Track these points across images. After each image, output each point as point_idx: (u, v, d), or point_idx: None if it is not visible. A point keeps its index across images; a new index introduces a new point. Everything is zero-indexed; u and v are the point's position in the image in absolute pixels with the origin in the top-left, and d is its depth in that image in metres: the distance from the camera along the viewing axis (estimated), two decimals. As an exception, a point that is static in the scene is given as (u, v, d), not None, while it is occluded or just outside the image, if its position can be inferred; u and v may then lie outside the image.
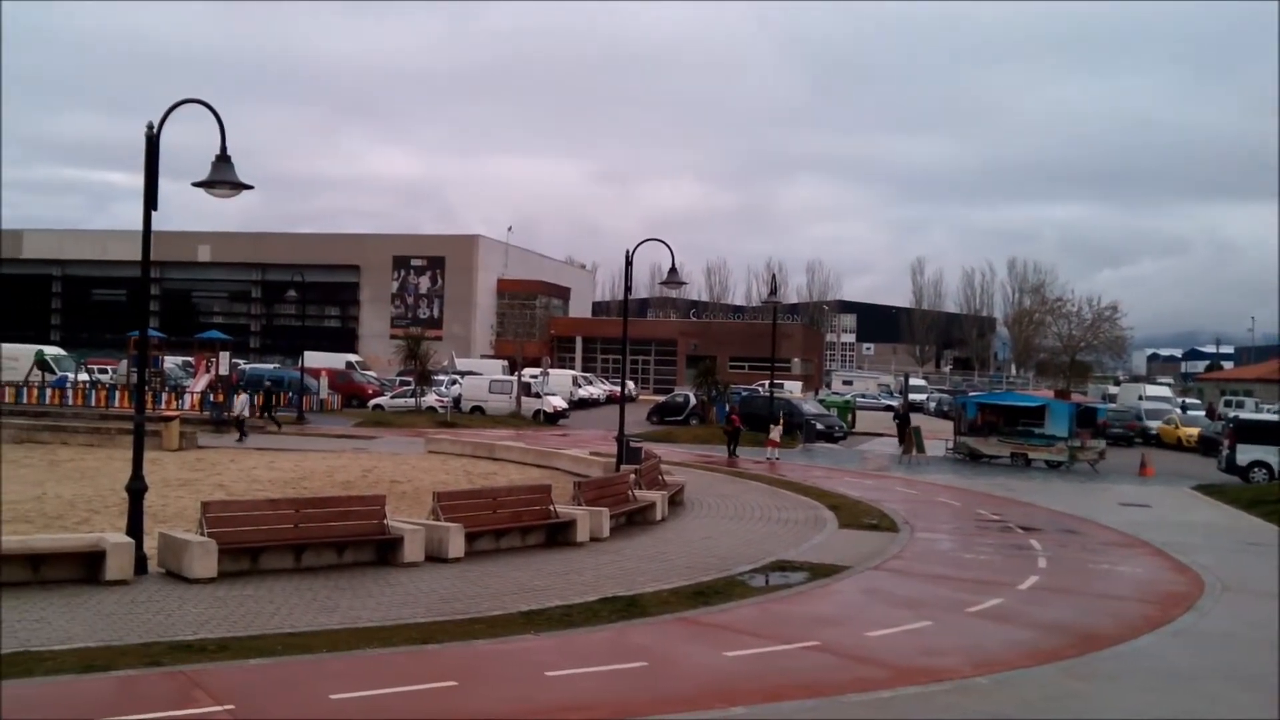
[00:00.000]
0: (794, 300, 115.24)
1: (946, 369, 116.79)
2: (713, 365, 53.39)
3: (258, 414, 40.25)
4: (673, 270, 27.44)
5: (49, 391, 47.33)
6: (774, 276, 78.46)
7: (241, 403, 37.86)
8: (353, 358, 65.19)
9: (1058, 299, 79.00)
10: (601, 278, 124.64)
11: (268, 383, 43.46)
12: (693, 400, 50.51)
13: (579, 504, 18.67)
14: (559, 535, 17.65)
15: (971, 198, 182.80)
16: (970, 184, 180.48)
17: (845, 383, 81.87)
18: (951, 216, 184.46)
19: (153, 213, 13.73)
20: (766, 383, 54.21)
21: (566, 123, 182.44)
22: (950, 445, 39.21)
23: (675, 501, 22.61)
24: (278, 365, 63.22)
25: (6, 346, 58.59)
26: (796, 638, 12.05)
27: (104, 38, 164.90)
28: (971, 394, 51.03)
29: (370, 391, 55.71)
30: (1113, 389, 79.53)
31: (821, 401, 54.39)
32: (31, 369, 51.94)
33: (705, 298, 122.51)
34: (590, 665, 10.57)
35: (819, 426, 43.52)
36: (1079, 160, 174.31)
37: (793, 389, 61.71)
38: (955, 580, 16.07)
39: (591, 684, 10.04)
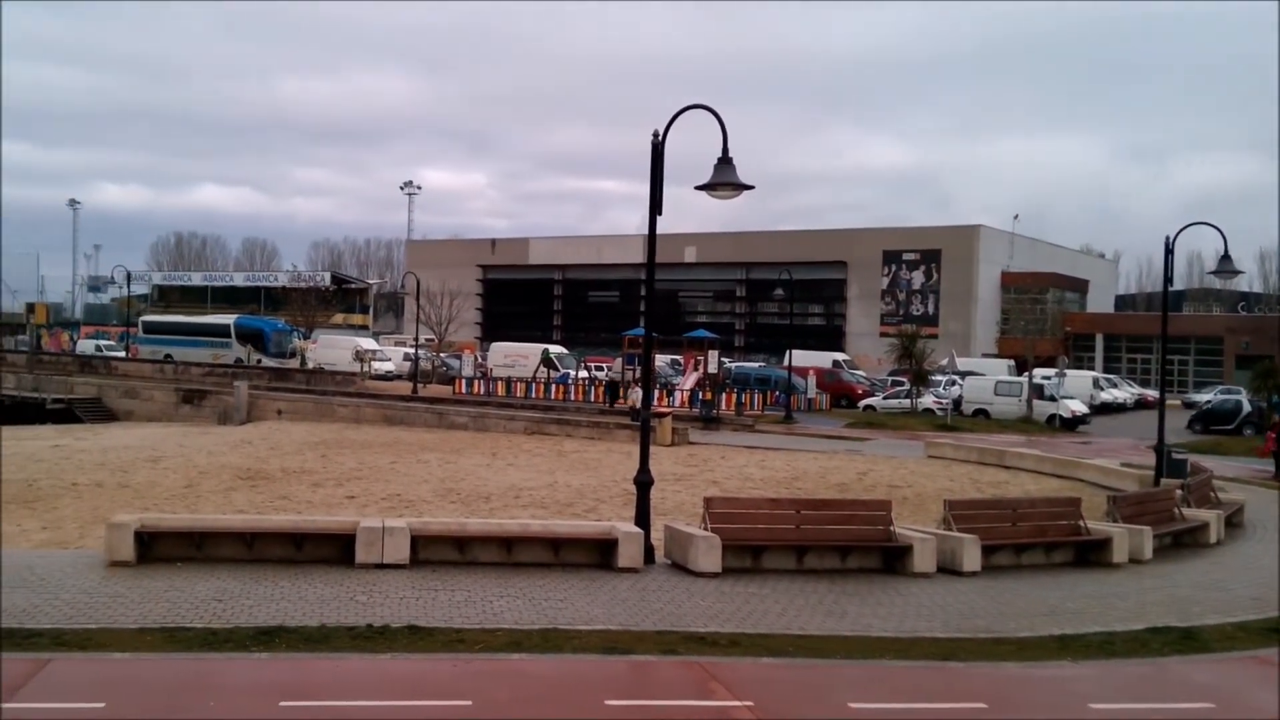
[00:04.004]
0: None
1: None
2: (1272, 366, 48.07)
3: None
4: (1225, 258, 24.97)
5: (554, 387, 53.32)
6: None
7: (635, 394, 40.43)
8: (840, 356, 66.27)
9: None
10: (1125, 267, 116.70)
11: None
12: (1247, 406, 45.85)
13: (1114, 520, 17.53)
14: (1090, 554, 16.63)
15: None
16: None
17: None
18: None
19: (658, 216, 14.78)
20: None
21: (1086, 97, 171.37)
22: None
23: (1233, 523, 20.54)
24: (763, 363, 65.95)
25: (520, 346, 66.60)
26: None
27: (586, 53, 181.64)
28: None
29: (860, 391, 56.37)
30: None
31: None
32: (539, 366, 58.99)
33: (1258, 289, 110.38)
34: (1142, 701, 9.82)
35: None
36: None
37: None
38: None
39: (1148, 724, 9.28)
